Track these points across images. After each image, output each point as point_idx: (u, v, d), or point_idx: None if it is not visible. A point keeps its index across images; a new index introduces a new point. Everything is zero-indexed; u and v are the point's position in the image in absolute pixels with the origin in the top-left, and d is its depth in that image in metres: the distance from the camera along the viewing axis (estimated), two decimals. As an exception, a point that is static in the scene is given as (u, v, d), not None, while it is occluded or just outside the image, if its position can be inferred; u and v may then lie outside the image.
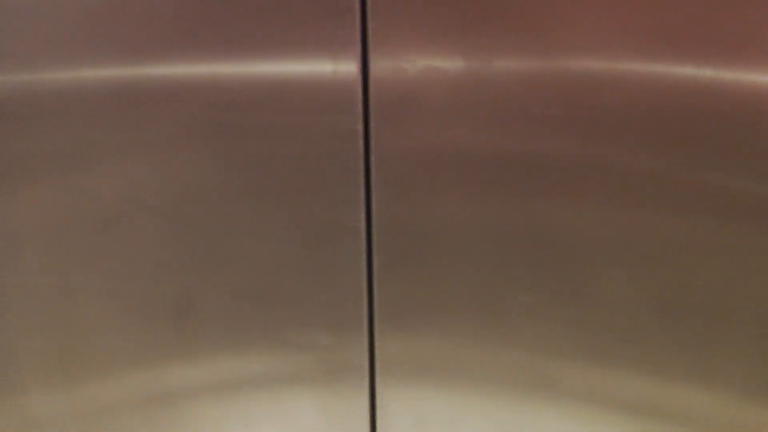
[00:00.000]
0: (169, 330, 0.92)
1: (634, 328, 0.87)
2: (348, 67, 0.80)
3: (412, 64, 0.80)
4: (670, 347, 0.88)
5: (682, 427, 0.91)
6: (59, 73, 0.80)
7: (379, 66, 0.80)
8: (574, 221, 0.85)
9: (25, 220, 0.88)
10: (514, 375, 0.92)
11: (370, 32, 0.80)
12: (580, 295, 0.87)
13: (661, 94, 0.80)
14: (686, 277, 0.85)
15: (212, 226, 0.87)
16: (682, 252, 0.84)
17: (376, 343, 0.92)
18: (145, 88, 0.81)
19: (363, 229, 0.87)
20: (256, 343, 0.92)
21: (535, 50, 0.79)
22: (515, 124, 0.82)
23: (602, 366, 0.90)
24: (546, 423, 0.93)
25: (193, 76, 0.81)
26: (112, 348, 0.93)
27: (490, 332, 0.90)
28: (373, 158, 0.84)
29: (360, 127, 0.83)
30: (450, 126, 0.83)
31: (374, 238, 0.87)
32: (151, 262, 0.88)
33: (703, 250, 0.84)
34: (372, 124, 0.83)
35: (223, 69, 0.80)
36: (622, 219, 0.84)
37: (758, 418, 0.89)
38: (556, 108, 0.81)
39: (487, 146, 0.83)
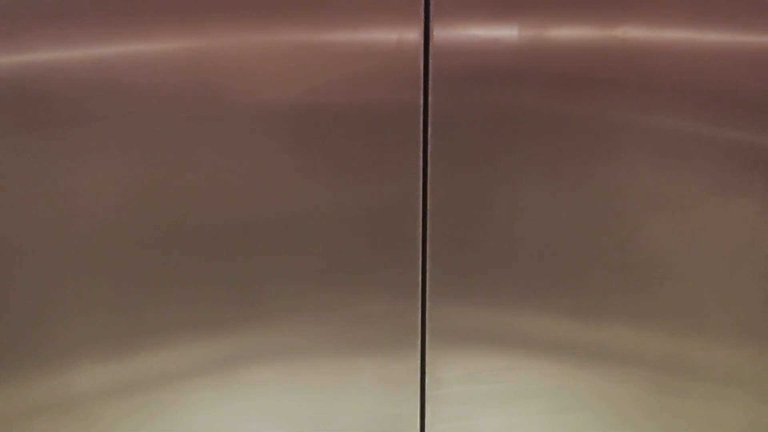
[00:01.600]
0: (233, 306, 0.90)
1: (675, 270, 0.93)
2: (412, 36, 0.79)
3: (471, 33, 0.80)
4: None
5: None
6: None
7: (440, 35, 0.80)
8: (622, 177, 0.88)
9: (92, 193, 0.83)
10: (560, 329, 0.96)
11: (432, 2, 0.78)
12: (626, 246, 0.91)
13: (706, 59, 0.83)
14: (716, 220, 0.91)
15: (276, 206, 0.85)
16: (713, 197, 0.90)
17: (428, 306, 0.94)
18: (210, 65, 0.77)
19: (419, 201, 0.87)
20: (318, 316, 0.92)
21: (589, 20, 0.81)
22: (572, 91, 0.83)
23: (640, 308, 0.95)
24: (589, 373, 0.99)
25: (255, 45, 0.77)
26: (175, 322, 0.90)
27: (539, 289, 0.94)
28: (430, 129, 0.84)
29: (420, 97, 0.82)
30: (507, 93, 0.83)
31: (429, 208, 0.88)
32: (219, 238, 0.86)
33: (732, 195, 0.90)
34: (431, 94, 0.82)
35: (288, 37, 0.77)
36: (665, 173, 0.88)
37: None
38: (607, 74, 0.83)
39: (544, 113, 0.84)
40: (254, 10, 0.76)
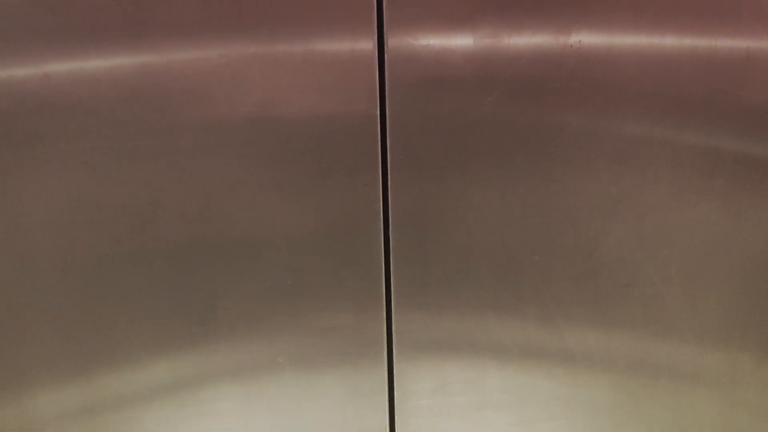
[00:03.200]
0: (193, 323, 0.89)
1: (639, 274, 0.93)
2: (366, 46, 0.79)
3: (426, 42, 0.79)
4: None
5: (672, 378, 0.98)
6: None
7: (395, 45, 0.79)
8: (582, 184, 0.88)
9: (40, 213, 0.82)
10: (526, 337, 0.95)
11: (385, 11, 0.78)
12: (590, 252, 0.91)
13: (661, 66, 0.83)
14: (677, 225, 0.91)
15: (233, 221, 0.84)
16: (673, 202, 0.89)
17: (393, 318, 0.92)
18: (160, 79, 0.76)
19: (380, 212, 0.86)
20: (281, 330, 0.91)
21: (544, 28, 0.80)
22: (529, 99, 0.83)
23: (603, 314, 0.95)
24: (557, 382, 0.98)
25: (206, 58, 0.76)
26: (134, 342, 0.89)
27: (504, 297, 0.93)
28: (389, 139, 0.83)
29: (377, 108, 0.81)
30: (464, 102, 0.83)
31: (391, 218, 0.87)
32: (175, 256, 0.85)
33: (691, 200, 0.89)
34: (388, 104, 0.81)
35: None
36: (626, 179, 0.88)
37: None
38: (563, 81, 0.83)
39: (502, 121, 0.84)
40: (204, 23, 0.75)
